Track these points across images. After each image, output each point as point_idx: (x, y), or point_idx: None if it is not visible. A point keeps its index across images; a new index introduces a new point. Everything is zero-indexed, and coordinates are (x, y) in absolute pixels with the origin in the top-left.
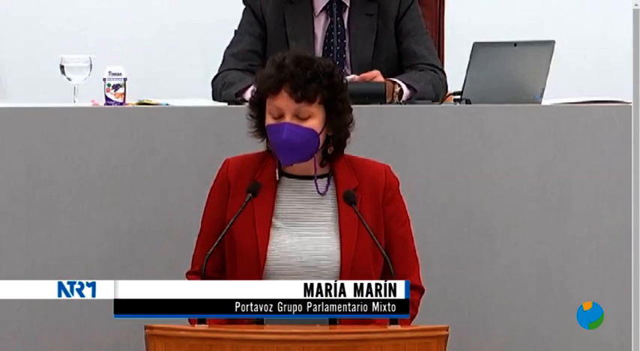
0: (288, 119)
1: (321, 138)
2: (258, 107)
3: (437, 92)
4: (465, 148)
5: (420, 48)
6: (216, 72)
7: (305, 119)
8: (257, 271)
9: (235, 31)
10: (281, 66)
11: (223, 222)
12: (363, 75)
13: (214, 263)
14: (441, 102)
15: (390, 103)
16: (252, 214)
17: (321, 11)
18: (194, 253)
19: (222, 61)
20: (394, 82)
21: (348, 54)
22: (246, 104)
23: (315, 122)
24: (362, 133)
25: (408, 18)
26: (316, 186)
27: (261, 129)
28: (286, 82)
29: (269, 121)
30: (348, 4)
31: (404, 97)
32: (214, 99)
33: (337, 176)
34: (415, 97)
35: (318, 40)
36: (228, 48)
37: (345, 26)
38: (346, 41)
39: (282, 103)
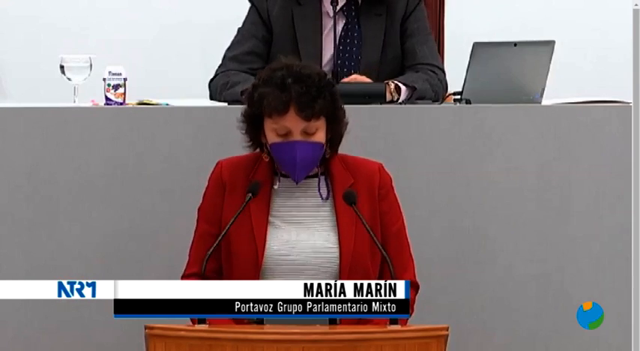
0: (297, 137)
1: (325, 146)
2: (254, 123)
3: (435, 91)
4: (465, 148)
5: (422, 48)
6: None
7: (312, 134)
8: (254, 270)
9: (238, 30)
10: (284, 86)
11: (220, 222)
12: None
13: (213, 265)
14: (441, 102)
15: (391, 101)
16: (249, 213)
17: (337, 12)
18: (189, 255)
19: (222, 62)
20: (387, 83)
21: (360, 55)
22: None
23: (321, 135)
24: (362, 133)
25: (414, 18)
26: (319, 190)
27: (256, 142)
28: (293, 102)
29: (273, 139)
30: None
31: (402, 94)
32: (213, 99)
33: (333, 175)
34: (415, 97)
35: (331, 42)
36: (229, 49)
37: (361, 28)
38: (362, 43)
39: (290, 123)
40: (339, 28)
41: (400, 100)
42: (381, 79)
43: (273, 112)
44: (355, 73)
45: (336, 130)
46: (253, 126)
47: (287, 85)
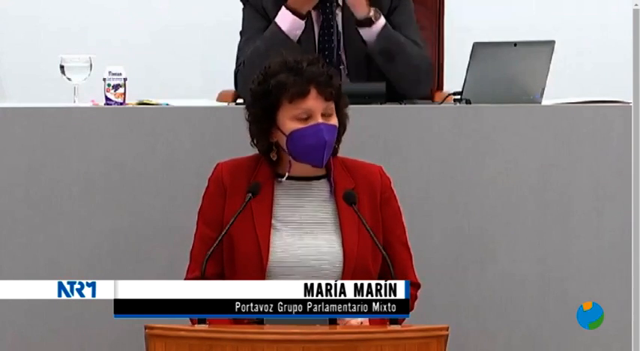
0: (319, 119)
1: None
2: (265, 119)
3: (418, 63)
4: (465, 148)
5: (408, 35)
6: (215, 73)
7: (329, 116)
8: (259, 273)
9: (241, 33)
10: (299, 69)
11: (221, 225)
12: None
13: (215, 268)
14: (442, 102)
15: (369, 20)
16: (251, 216)
17: (313, 8)
18: (190, 259)
19: (238, 56)
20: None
21: (343, 51)
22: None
23: (335, 118)
24: (362, 133)
25: (399, 12)
26: (330, 186)
27: (265, 141)
28: (313, 83)
29: (294, 125)
30: (340, 2)
31: (380, 23)
32: (241, 89)
33: (334, 177)
34: (394, 43)
35: (315, 37)
36: (241, 49)
37: (339, 23)
38: (341, 38)
39: (312, 104)
40: (320, 24)
41: (376, 27)
42: (372, 77)
43: (295, 96)
44: (339, 70)
45: (341, 118)
46: (264, 123)
47: (302, 68)
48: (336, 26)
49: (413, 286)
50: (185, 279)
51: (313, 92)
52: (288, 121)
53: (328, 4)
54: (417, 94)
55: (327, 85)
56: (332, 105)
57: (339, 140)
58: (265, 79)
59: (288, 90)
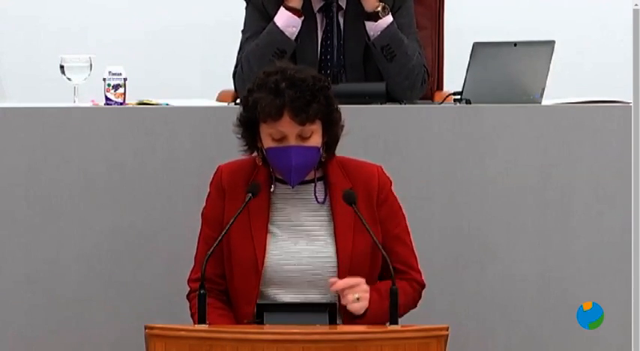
0: (292, 142)
1: (322, 150)
2: (250, 128)
3: (414, 67)
4: (465, 148)
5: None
6: (215, 73)
7: (308, 138)
8: (255, 277)
9: (243, 32)
10: (278, 91)
11: (222, 226)
12: None
13: (216, 268)
14: (442, 102)
15: (375, 13)
16: (248, 219)
17: (317, 12)
18: (195, 260)
19: (237, 59)
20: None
21: (343, 55)
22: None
23: (317, 138)
24: (361, 133)
25: (400, 14)
26: (315, 194)
27: (252, 146)
28: (287, 107)
29: (269, 143)
30: (344, 6)
31: (387, 19)
32: (239, 89)
33: (330, 179)
34: (396, 43)
35: (318, 39)
36: (241, 49)
37: (342, 27)
38: (342, 42)
39: (285, 128)
40: (323, 28)
41: (383, 22)
42: (368, 79)
43: (268, 117)
44: (338, 72)
45: (333, 132)
46: (249, 130)
47: (281, 89)
48: (339, 30)
49: (417, 285)
50: (188, 279)
51: (286, 116)
52: (265, 137)
53: (333, 7)
54: (408, 98)
55: (302, 111)
56: (311, 127)
57: (331, 151)
58: (250, 91)
59: (262, 111)
